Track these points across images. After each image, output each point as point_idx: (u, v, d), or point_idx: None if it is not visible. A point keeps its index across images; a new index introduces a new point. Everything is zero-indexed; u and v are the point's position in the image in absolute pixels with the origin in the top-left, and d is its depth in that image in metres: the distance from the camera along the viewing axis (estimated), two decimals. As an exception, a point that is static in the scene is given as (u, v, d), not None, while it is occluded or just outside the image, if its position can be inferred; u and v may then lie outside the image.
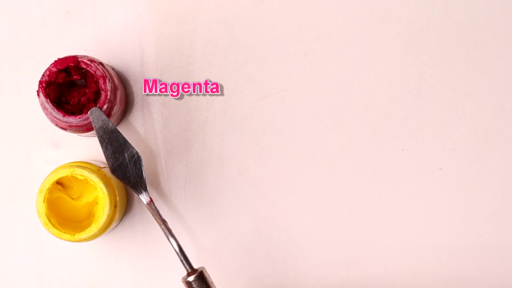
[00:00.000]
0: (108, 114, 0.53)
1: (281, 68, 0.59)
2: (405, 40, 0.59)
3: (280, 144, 0.59)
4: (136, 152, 0.53)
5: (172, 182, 0.59)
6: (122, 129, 0.58)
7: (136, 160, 0.53)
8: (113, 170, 0.53)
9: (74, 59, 0.51)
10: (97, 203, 0.55)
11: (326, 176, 0.60)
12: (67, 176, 0.53)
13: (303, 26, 0.59)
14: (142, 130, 0.59)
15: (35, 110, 0.58)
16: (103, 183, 0.53)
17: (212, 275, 0.55)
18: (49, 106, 0.51)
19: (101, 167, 0.55)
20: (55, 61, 0.51)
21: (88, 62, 0.51)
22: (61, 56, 0.52)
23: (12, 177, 0.59)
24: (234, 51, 0.58)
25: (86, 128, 0.52)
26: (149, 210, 0.54)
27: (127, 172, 0.53)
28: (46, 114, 0.52)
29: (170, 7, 0.58)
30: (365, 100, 0.59)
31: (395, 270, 0.61)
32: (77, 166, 0.54)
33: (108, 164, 0.53)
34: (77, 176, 0.53)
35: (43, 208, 0.53)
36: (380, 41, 0.59)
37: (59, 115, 0.51)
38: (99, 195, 0.54)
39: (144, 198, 0.53)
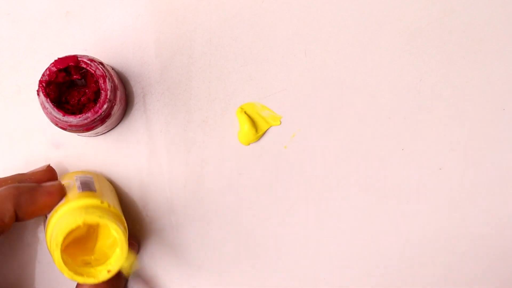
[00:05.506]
0: (108, 114, 0.53)
1: (281, 68, 0.59)
2: (405, 40, 0.59)
3: (280, 144, 0.59)
4: None
5: (172, 182, 0.59)
6: (122, 129, 0.58)
7: None
8: None
9: (74, 58, 0.51)
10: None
11: (326, 176, 0.60)
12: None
13: (303, 26, 0.59)
14: (142, 130, 0.59)
15: (35, 110, 0.58)
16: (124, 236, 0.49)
17: (212, 275, 0.55)
18: (49, 105, 0.51)
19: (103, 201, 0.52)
20: (55, 60, 0.51)
21: (88, 62, 0.51)
22: (61, 56, 0.52)
23: (12, 177, 0.59)
24: (234, 51, 0.58)
25: (85, 127, 0.52)
26: None
27: None
28: (46, 113, 0.51)
29: (170, 7, 0.58)
30: (365, 100, 0.59)
31: (395, 269, 0.61)
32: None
33: None
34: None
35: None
36: (380, 41, 0.59)
37: (59, 115, 0.51)
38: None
39: None
